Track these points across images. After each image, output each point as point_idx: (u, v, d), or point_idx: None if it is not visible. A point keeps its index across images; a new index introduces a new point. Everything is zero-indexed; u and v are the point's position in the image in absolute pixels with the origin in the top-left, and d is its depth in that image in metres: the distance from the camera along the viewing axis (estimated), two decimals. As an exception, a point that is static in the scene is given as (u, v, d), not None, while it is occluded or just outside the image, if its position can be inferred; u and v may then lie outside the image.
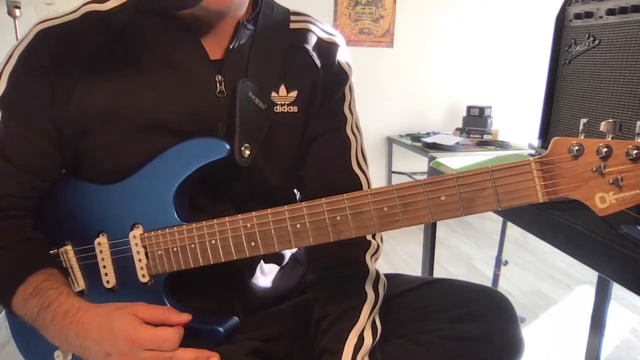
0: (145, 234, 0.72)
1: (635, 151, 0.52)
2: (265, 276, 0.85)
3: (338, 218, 0.63)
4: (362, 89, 3.81)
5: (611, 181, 0.54)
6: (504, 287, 2.39)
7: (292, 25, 0.80)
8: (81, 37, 0.70)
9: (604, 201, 0.55)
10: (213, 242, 0.68)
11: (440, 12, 3.53)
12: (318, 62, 0.79)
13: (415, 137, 3.38)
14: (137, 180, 0.73)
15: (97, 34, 0.70)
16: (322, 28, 0.83)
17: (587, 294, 2.38)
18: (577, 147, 0.54)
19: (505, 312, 0.75)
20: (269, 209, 0.66)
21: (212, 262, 0.69)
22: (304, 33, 0.80)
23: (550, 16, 1.24)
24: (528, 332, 2.06)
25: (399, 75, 3.54)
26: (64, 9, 0.73)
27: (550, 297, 2.38)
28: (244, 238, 0.67)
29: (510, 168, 0.56)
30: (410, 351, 0.74)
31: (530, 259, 2.80)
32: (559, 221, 0.80)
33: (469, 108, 3.46)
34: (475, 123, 3.41)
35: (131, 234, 0.72)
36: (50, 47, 0.69)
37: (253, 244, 0.67)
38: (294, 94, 0.77)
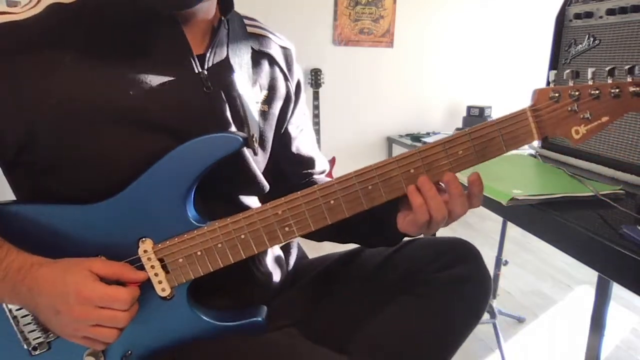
0: (159, 245, 0.68)
1: (596, 91, 0.66)
2: (273, 263, 0.87)
3: (370, 187, 0.68)
4: (362, 89, 3.78)
5: (582, 117, 0.67)
6: (504, 287, 2.39)
7: (249, 30, 0.84)
8: (46, 32, 0.64)
9: (578, 132, 0.68)
10: (242, 236, 0.68)
11: (440, 12, 3.53)
12: (286, 70, 0.86)
13: (415, 137, 3.37)
14: (135, 190, 0.67)
15: (65, 27, 0.65)
16: (274, 33, 0.87)
17: (587, 294, 2.39)
18: (557, 94, 0.67)
19: (475, 255, 0.83)
20: (298, 192, 0.68)
21: (244, 257, 0.69)
22: (263, 39, 0.85)
23: (550, 16, 1.24)
24: (528, 332, 2.06)
25: (399, 75, 3.54)
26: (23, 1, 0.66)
27: (550, 297, 2.38)
28: (276, 225, 0.68)
29: (511, 117, 0.68)
30: (413, 303, 0.79)
31: (530, 259, 2.80)
32: (559, 221, 0.80)
33: (469, 108, 3.45)
34: (475, 123, 3.38)
35: (140, 249, 0.67)
36: (5, 44, 0.63)
37: (287, 228, 0.69)
38: (265, 93, 0.82)
